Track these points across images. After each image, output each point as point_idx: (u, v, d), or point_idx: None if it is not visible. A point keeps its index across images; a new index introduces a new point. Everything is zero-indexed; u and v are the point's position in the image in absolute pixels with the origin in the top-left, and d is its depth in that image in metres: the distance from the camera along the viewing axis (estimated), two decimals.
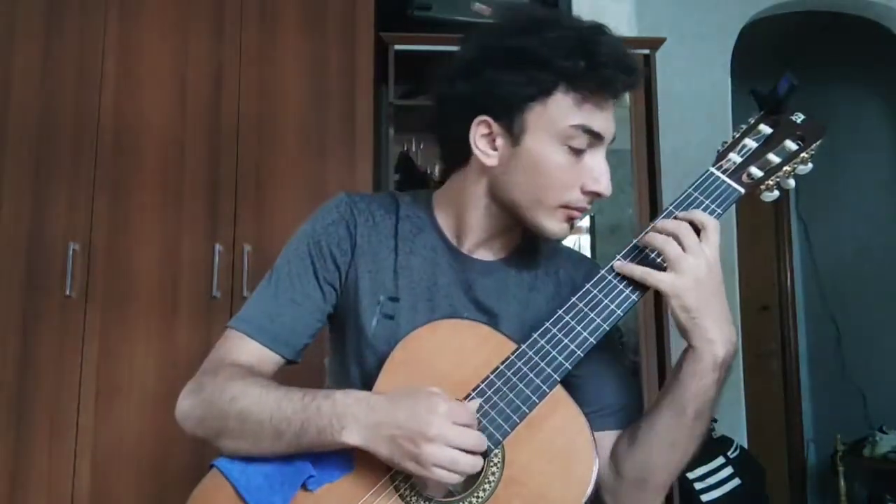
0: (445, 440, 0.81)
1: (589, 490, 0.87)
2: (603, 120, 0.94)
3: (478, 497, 0.86)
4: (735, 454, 2.57)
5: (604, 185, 0.95)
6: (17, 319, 2.03)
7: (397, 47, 2.30)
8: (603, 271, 0.92)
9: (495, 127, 0.96)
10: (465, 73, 0.97)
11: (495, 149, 0.97)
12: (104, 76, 2.14)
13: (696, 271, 0.86)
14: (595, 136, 0.94)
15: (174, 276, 2.08)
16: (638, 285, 0.91)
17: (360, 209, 1.04)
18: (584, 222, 2.56)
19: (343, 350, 1.04)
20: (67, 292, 2.02)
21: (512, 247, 1.06)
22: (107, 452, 2.00)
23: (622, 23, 2.69)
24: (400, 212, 1.05)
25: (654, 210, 2.31)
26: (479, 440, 0.84)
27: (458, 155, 1.02)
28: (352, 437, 0.84)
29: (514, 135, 0.95)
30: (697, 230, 0.89)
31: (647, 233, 0.91)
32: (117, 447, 2.00)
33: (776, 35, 3.61)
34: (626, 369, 1.10)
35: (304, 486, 0.88)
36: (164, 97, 2.16)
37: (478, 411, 0.87)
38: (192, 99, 2.16)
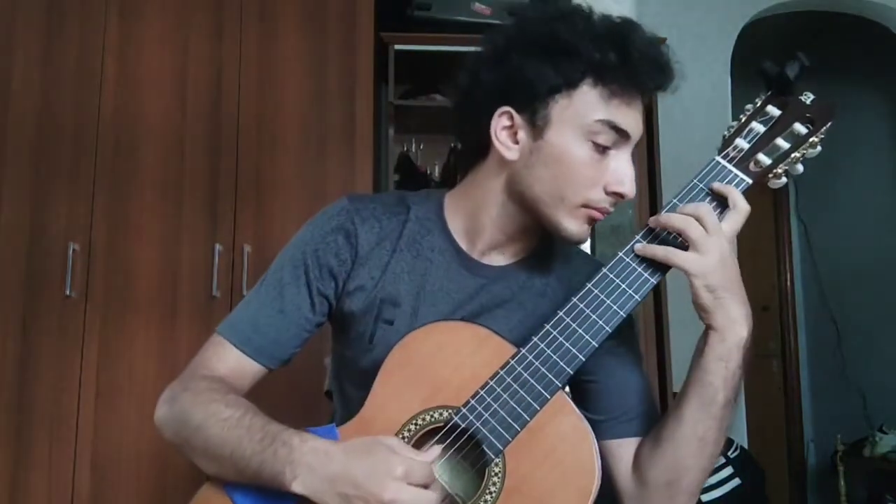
0: None
1: (591, 500, 0.84)
2: (631, 118, 0.91)
3: None
4: (735, 454, 2.57)
5: (628, 186, 0.91)
6: (17, 319, 2.02)
7: (397, 47, 2.29)
8: (605, 270, 0.89)
9: (518, 119, 0.92)
10: (490, 61, 0.93)
11: (516, 142, 0.93)
12: (104, 76, 2.14)
13: (721, 251, 0.84)
14: (621, 134, 0.90)
15: (174, 276, 2.08)
16: (636, 286, 0.87)
17: (364, 216, 1.00)
18: None
19: (344, 353, 1.03)
20: (67, 292, 2.02)
21: (527, 251, 1.02)
22: (107, 452, 1.99)
23: None
24: (410, 213, 1.01)
25: (654, 210, 2.31)
26: (433, 502, 0.81)
27: (476, 149, 0.99)
28: (300, 487, 0.81)
29: (538, 128, 0.91)
30: (723, 206, 0.88)
31: (658, 217, 0.89)
32: (117, 447, 1.99)
33: (776, 35, 3.60)
34: (644, 370, 1.03)
35: None
36: (164, 97, 2.15)
37: (477, 418, 0.85)
38: (192, 99, 2.16)
